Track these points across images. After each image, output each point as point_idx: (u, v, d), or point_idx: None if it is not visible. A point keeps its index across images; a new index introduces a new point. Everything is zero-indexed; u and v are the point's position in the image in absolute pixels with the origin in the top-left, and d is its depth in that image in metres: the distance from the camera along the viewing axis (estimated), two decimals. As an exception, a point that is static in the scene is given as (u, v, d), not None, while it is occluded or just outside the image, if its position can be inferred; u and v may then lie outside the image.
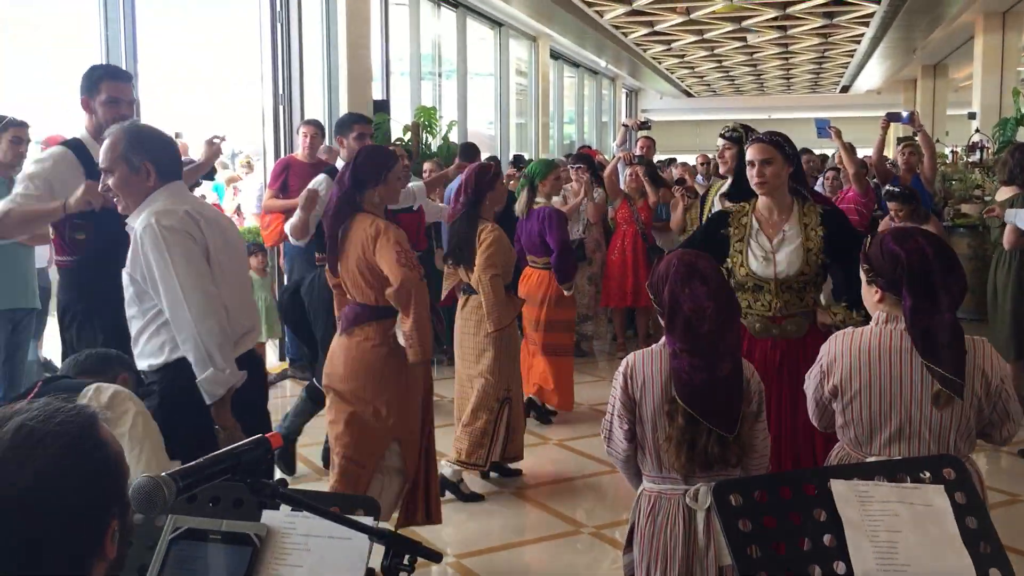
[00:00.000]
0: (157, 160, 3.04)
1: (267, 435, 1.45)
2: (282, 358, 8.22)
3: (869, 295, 2.63)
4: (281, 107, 8.68)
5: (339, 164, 5.51)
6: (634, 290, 8.15)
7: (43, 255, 5.93)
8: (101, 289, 3.70)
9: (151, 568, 1.71)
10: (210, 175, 5.64)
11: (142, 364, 3.04)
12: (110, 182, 3.05)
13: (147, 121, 6.72)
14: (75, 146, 3.89)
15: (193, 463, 1.35)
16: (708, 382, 2.52)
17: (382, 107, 9.77)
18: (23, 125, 5.38)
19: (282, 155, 8.22)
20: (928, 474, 1.85)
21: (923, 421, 2.51)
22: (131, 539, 1.28)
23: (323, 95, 9.22)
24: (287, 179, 7.16)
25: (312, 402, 5.29)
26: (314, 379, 5.25)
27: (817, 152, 11.28)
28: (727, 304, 2.58)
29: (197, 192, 6.17)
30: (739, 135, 4.76)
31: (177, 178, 3.15)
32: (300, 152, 7.25)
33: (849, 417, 2.59)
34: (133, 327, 3.09)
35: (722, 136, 4.87)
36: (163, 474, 1.25)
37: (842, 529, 1.75)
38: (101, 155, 3.11)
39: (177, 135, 6.15)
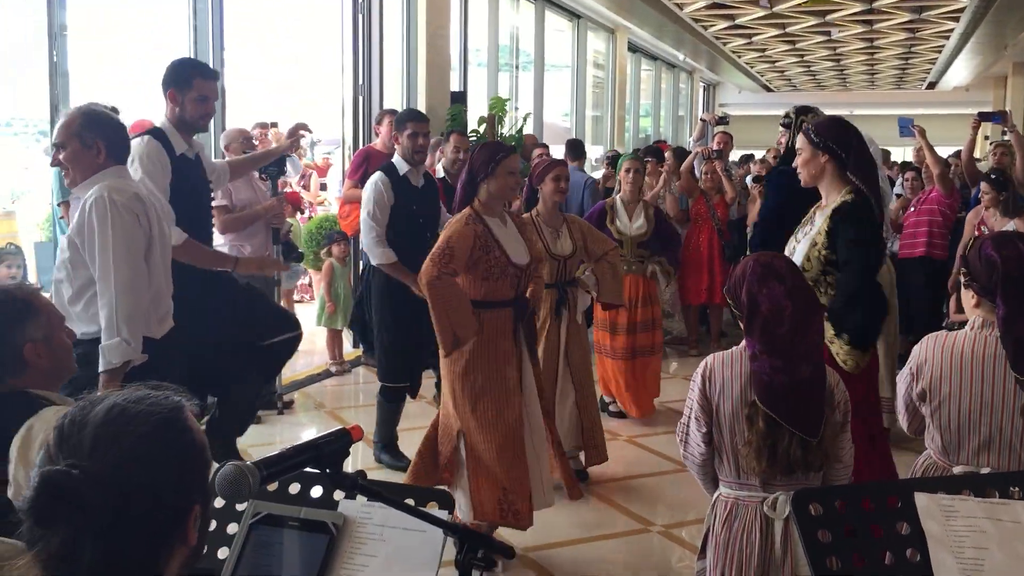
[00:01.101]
0: (108, 140, 3.29)
1: (348, 428, 1.47)
2: (355, 345, 8.33)
3: (967, 299, 2.57)
4: (360, 97, 8.78)
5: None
6: (709, 287, 8.06)
7: None
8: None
9: (232, 550, 1.75)
10: (280, 167, 5.70)
11: (77, 329, 3.17)
12: (61, 156, 3.28)
13: (232, 113, 6.91)
14: (158, 135, 4.03)
15: (277, 453, 1.37)
16: (788, 384, 2.46)
17: (459, 98, 9.82)
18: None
19: (361, 145, 8.32)
20: (1017, 489, 1.79)
21: (1014, 432, 2.43)
22: (209, 529, 1.30)
23: (402, 86, 9.30)
24: (367, 169, 7.24)
25: (388, 402, 5.31)
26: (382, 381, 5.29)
27: (899, 150, 11.00)
28: (805, 304, 2.52)
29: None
30: (790, 120, 4.65)
31: (123, 162, 3.39)
32: (379, 142, 7.33)
33: (937, 423, 2.53)
34: (61, 292, 3.29)
35: (781, 124, 4.80)
36: (249, 463, 1.27)
37: (926, 544, 1.70)
38: (56, 131, 3.37)
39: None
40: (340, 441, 1.45)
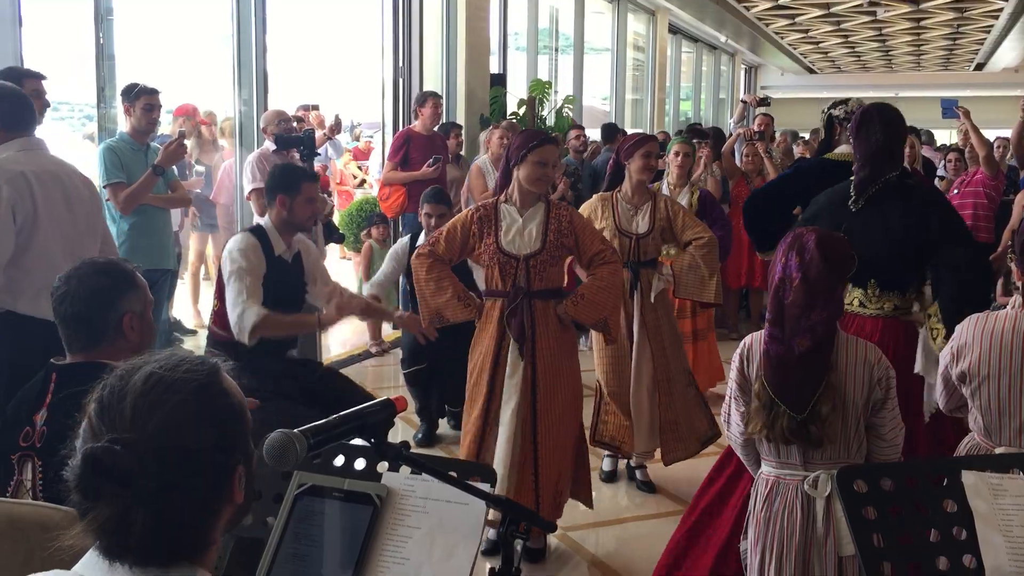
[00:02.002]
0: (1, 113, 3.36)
1: (392, 399, 1.49)
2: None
3: (1018, 276, 2.54)
4: (401, 80, 8.81)
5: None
6: (748, 270, 7.99)
7: (176, 219, 6.24)
8: None
9: (277, 519, 1.77)
10: (311, 149, 5.72)
11: None
12: None
13: (274, 95, 6.97)
14: (259, 233, 3.98)
15: (323, 421, 1.39)
16: (781, 355, 2.45)
17: (499, 80, 9.80)
18: (154, 92, 5.60)
19: (401, 127, 8.35)
20: (1068, 469, 1.76)
21: None
22: (256, 489, 1.32)
23: (441, 68, 9.30)
24: (408, 151, 7.28)
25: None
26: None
27: (944, 132, 10.78)
28: (819, 281, 2.43)
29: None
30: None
31: (25, 131, 3.44)
32: (419, 124, 7.35)
33: (977, 403, 2.50)
34: None
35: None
36: (296, 431, 1.29)
37: (972, 522, 1.68)
38: None
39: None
40: (385, 411, 1.46)
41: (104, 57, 5.74)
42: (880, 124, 3.44)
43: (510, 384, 3.78)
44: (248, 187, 6.01)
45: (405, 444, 1.49)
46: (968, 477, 1.70)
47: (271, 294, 3.80)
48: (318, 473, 1.82)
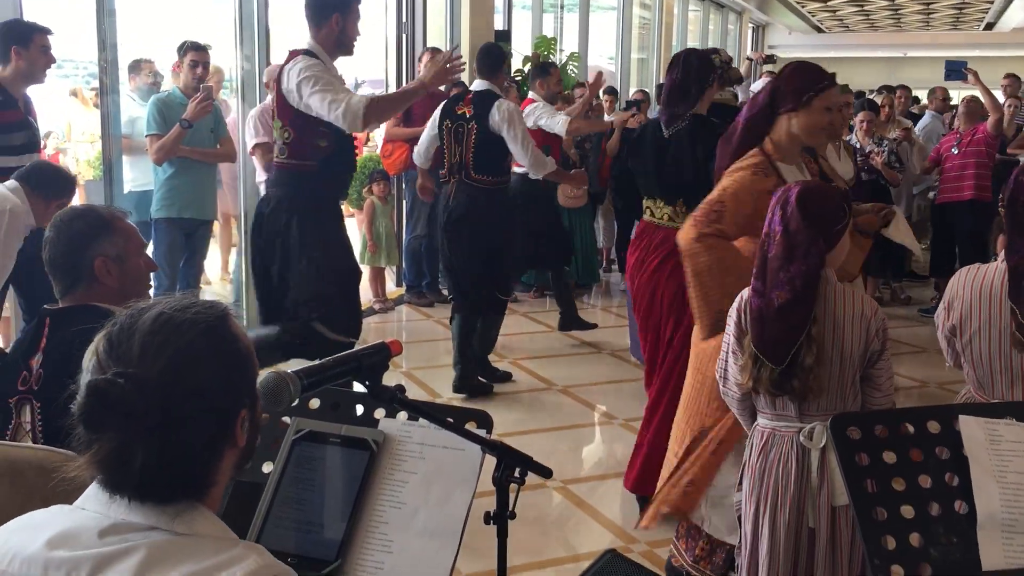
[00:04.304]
0: None
1: (387, 341, 1.49)
2: (399, 284, 8.40)
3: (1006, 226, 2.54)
4: (404, 35, 8.73)
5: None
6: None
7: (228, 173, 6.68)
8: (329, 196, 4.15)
9: (275, 465, 1.79)
10: None
11: None
12: None
13: (278, 50, 6.92)
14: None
15: (318, 363, 1.40)
16: (761, 307, 2.46)
17: (503, 37, 9.71)
18: (201, 49, 5.66)
19: (404, 83, 8.29)
20: (1063, 418, 1.77)
21: None
22: (258, 433, 1.33)
23: (445, 23, 9.21)
24: (411, 107, 7.22)
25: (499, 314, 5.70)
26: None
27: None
28: (801, 235, 2.42)
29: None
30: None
31: None
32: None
33: (969, 357, 2.51)
34: None
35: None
36: (289, 371, 1.30)
37: (965, 468, 1.69)
38: None
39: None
40: (380, 354, 1.47)
41: (105, 13, 5.69)
42: (681, 66, 3.97)
43: None
44: (251, 142, 5.99)
45: (400, 387, 1.50)
46: (966, 422, 1.71)
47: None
48: (315, 420, 1.83)
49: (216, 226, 7.15)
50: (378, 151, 8.95)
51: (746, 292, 2.60)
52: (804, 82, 3.08)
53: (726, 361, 2.63)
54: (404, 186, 8.09)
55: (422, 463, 1.80)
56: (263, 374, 1.33)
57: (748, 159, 3.09)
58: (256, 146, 5.90)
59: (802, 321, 2.42)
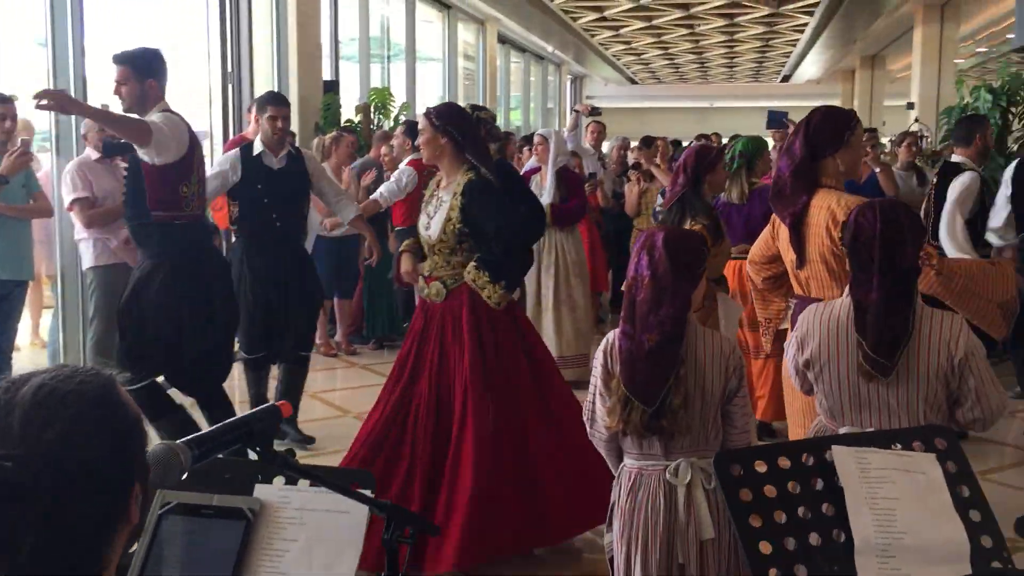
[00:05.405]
0: None
1: (278, 404, 1.41)
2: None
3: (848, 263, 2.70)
4: (230, 86, 8.51)
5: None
6: (592, 276, 8.14)
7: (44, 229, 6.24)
8: None
9: (140, 544, 1.65)
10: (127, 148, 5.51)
11: None
12: None
13: (95, 99, 6.58)
14: None
15: (208, 430, 1.30)
16: (631, 350, 2.51)
17: (331, 87, 9.64)
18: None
19: (231, 135, 8.06)
20: (920, 444, 1.87)
21: (891, 393, 2.55)
22: (148, 508, 1.23)
23: (272, 74, 9.06)
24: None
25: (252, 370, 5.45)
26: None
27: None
28: (669, 277, 2.49)
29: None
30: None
31: None
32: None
33: (821, 388, 2.64)
34: None
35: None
36: (178, 442, 1.20)
37: (838, 497, 1.76)
38: None
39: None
40: (271, 418, 1.39)
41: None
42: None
43: None
44: (69, 198, 5.64)
45: (291, 451, 1.42)
46: (839, 452, 1.78)
47: None
48: (183, 490, 1.71)
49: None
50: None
51: (611, 335, 2.64)
52: (839, 124, 3.36)
53: (594, 403, 2.65)
54: (234, 239, 7.83)
55: (303, 529, 1.71)
56: (150, 445, 1.22)
57: (847, 197, 3.28)
58: (74, 201, 5.56)
59: (671, 363, 2.47)
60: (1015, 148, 8.38)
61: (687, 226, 4.11)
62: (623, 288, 2.61)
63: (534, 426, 3.88)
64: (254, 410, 1.41)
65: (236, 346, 5.38)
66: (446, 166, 3.94)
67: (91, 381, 1.15)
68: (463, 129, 3.89)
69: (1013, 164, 5.83)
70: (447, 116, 3.90)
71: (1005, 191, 5.66)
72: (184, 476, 1.25)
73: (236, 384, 5.61)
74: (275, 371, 5.51)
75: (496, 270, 3.81)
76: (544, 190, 6.67)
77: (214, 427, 1.33)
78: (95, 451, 1.11)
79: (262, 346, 5.39)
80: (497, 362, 3.87)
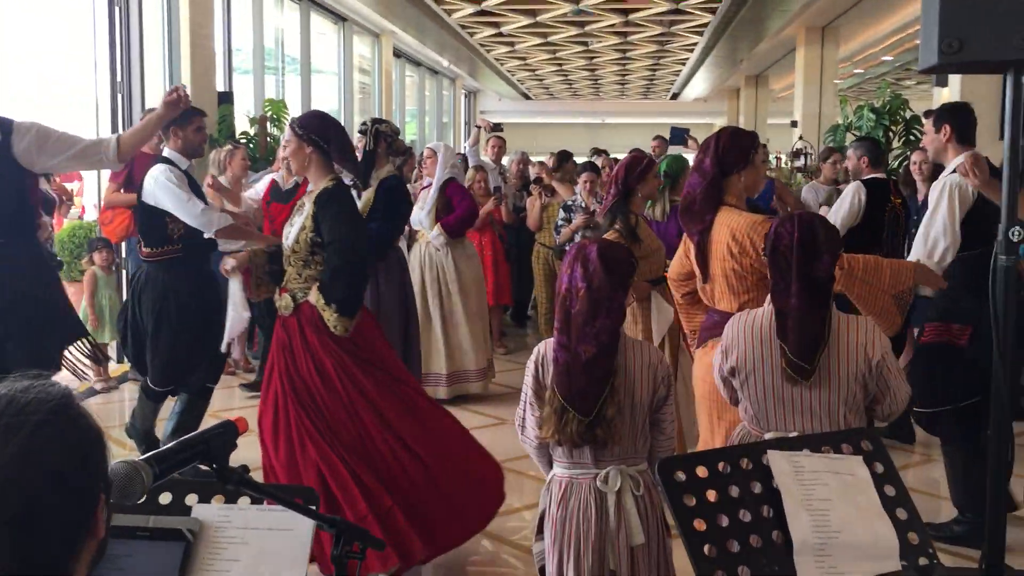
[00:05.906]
0: None
1: (234, 419, 1.37)
2: (120, 360, 7.78)
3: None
4: (120, 96, 8.24)
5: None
6: (495, 289, 8.16)
7: None
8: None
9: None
10: None
11: None
12: None
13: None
14: None
15: (165, 448, 1.25)
16: (568, 362, 2.54)
17: (226, 99, 9.43)
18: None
19: (123, 146, 7.78)
20: (848, 446, 1.94)
21: (813, 397, 2.65)
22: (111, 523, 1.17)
23: (164, 84, 8.79)
24: (131, 171, 6.77)
25: (151, 400, 5.09)
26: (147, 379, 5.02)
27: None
28: (603, 290, 2.53)
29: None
30: (365, 128, 5.75)
31: None
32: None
33: (747, 395, 2.71)
34: None
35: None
36: (139, 459, 1.15)
37: (776, 500, 1.81)
38: None
39: None
40: (228, 434, 1.34)
41: None
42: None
43: None
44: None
45: (244, 467, 1.38)
46: (775, 456, 1.83)
47: None
48: (117, 512, 1.64)
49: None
50: (94, 217, 8.35)
51: (542, 346, 2.65)
52: (744, 143, 3.45)
53: (524, 412, 2.67)
54: (125, 254, 7.57)
55: (245, 548, 1.66)
56: (111, 463, 1.17)
57: (746, 216, 3.35)
58: None
59: (607, 373, 2.51)
60: (894, 165, 8.81)
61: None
62: (556, 300, 2.63)
63: (390, 442, 3.70)
64: (211, 427, 1.36)
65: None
66: (312, 175, 3.84)
67: (50, 390, 1.11)
68: (327, 137, 3.79)
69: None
70: (311, 125, 3.81)
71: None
72: (144, 496, 1.20)
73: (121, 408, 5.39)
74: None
75: (327, 291, 3.66)
76: (426, 203, 6.64)
77: (171, 444, 1.29)
78: (60, 461, 1.08)
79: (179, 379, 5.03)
80: (338, 382, 3.71)
